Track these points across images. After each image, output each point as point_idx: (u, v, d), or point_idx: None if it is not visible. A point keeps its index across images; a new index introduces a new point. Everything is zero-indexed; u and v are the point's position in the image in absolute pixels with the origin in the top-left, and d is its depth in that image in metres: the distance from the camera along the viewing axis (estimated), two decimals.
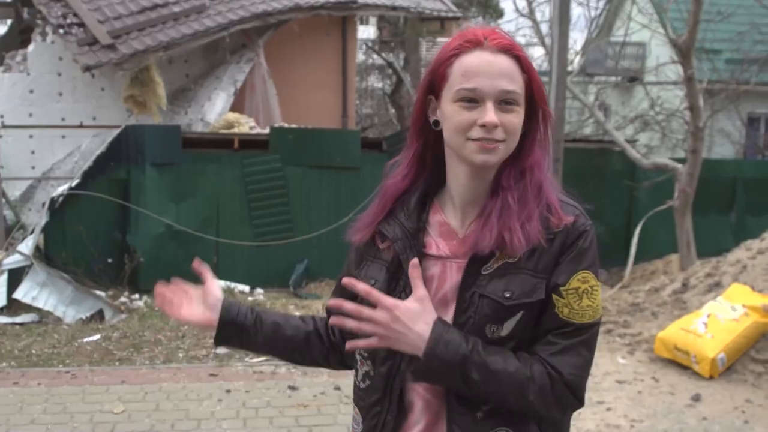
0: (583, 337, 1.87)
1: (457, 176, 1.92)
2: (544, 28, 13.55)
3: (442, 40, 26.61)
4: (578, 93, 13.80)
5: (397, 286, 1.93)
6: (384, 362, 1.94)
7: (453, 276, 1.90)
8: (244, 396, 5.91)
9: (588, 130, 17.05)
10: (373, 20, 31.85)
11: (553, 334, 1.85)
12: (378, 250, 2.00)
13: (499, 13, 24.51)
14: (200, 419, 5.51)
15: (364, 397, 2.02)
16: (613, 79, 19.96)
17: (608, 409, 5.80)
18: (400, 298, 1.88)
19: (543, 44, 13.95)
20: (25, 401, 5.81)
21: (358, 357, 2.04)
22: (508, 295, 1.82)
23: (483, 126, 1.79)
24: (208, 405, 5.76)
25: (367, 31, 30.23)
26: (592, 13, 14.52)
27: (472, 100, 1.81)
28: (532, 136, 1.92)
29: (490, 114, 1.78)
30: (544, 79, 15.61)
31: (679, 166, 12.26)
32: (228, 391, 5.99)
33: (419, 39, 25.57)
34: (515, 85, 1.82)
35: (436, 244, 1.94)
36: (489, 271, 1.85)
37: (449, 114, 1.85)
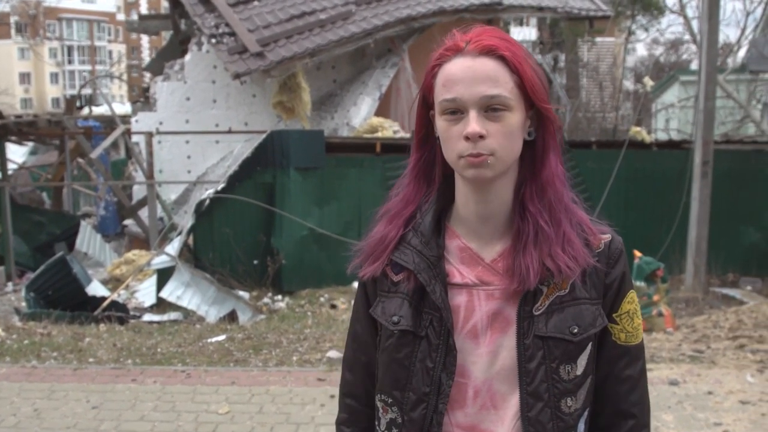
0: (641, 361, 1.84)
1: (465, 192, 1.77)
2: (696, 24, 12.92)
3: (601, 40, 26.08)
4: (732, 91, 13.07)
5: (422, 320, 1.77)
6: (416, 406, 1.77)
7: (482, 305, 1.75)
8: None
9: (751, 131, 16.21)
10: (533, 21, 31.53)
11: (618, 368, 1.81)
12: (392, 283, 1.82)
13: (661, 11, 23.45)
14: (299, 423, 5.55)
15: None
16: None
17: None
18: (426, 333, 1.76)
19: (694, 41, 13.32)
20: (138, 398, 6.04)
21: (378, 404, 1.86)
22: (575, 330, 1.72)
23: (467, 138, 1.65)
24: (310, 410, 5.79)
25: (523, 33, 29.93)
26: (750, 7, 13.60)
27: (455, 111, 1.66)
28: (543, 141, 1.75)
29: (471, 124, 1.64)
30: (694, 78, 14.97)
31: None
32: (332, 396, 6.00)
33: (577, 39, 25.12)
34: (500, 88, 1.65)
35: (459, 271, 1.78)
36: (542, 310, 1.72)
37: (440, 129, 1.72)
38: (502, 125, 1.66)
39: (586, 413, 1.78)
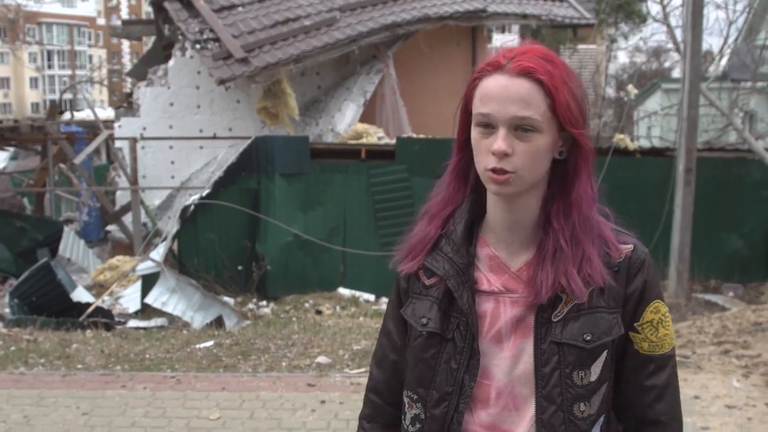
0: (667, 371, 1.86)
1: (494, 201, 1.85)
2: (679, 33, 12.98)
3: (583, 47, 26.20)
4: (714, 99, 13.19)
5: (449, 324, 1.85)
6: (438, 404, 1.85)
7: (507, 311, 1.83)
8: (338, 407, 5.93)
9: (732, 138, 16.32)
10: (515, 28, 31.66)
11: (641, 378, 1.85)
12: (424, 286, 1.91)
13: (643, 18, 23.65)
14: (291, 429, 5.57)
15: None
16: (759, 84, 18.95)
17: None
18: (453, 337, 1.84)
19: (678, 50, 13.43)
20: (129, 404, 6.04)
21: (405, 399, 1.94)
22: (588, 338, 1.77)
23: (494, 153, 1.73)
24: (301, 415, 5.81)
25: (505, 39, 30.04)
26: (732, 16, 13.71)
27: (488, 125, 1.74)
28: (575, 163, 1.81)
29: (499, 142, 1.71)
30: (677, 86, 15.11)
31: None
32: (323, 401, 6.03)
33: (559, 46, 25.23)
34: (532, 110, 1.71)
35: (487, 279, 1.86)
36: (560, 317, 1.79)
37: (473, 139, 1.80)
38: (529, 146, 1.73)
39: (601, 419, 1.83)
